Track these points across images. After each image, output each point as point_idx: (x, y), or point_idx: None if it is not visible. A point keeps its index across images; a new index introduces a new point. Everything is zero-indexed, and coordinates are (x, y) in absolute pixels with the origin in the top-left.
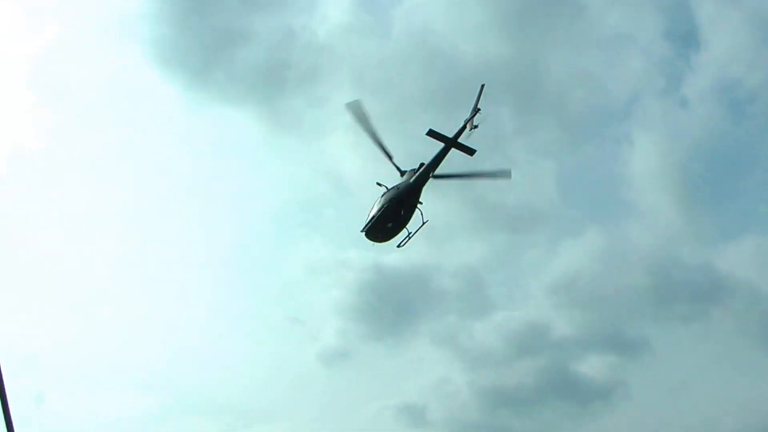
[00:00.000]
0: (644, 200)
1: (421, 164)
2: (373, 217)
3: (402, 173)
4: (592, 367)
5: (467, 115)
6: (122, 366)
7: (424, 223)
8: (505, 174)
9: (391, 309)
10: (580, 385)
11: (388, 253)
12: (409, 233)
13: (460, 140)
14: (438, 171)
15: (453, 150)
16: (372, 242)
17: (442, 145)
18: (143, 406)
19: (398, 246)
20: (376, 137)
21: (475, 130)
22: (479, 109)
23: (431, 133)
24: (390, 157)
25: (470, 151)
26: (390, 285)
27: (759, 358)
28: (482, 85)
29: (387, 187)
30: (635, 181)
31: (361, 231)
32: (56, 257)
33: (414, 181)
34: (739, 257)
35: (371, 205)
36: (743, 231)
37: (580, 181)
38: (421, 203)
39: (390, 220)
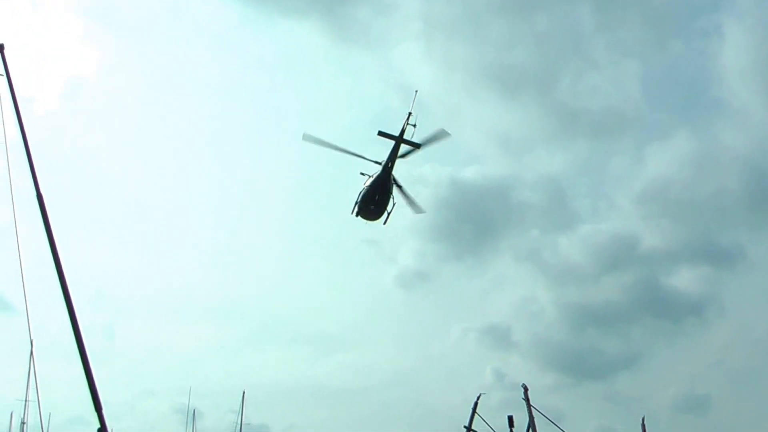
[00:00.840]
0: (737, 98)
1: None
2: (356, 202)
3: (379, 163)
4: (684, 280)
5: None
6: (198, 299)
7: (394, 205)
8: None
9: (470, 226)
10: (671, 300)
11: (464, 166)
12: (388, 213)
13: (405, 137)
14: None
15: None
16: (365, 220)
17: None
18: (220, 337)
19: (384, 223)
20: (339, 149)
21: (416, 128)
22: (410, 113)
23: (381, 134)
24: (363, 157)
25: (416, 145)
26: (468, 201)
27: None
28: (416, 91)
29: (369, 175)
30: (727, 77)
31: (351, 213)
32: (123, 189)
33: (381, 171)
34: None
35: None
36: None
37: (668, 81)
38: (400, 187)
39: (370, 203)
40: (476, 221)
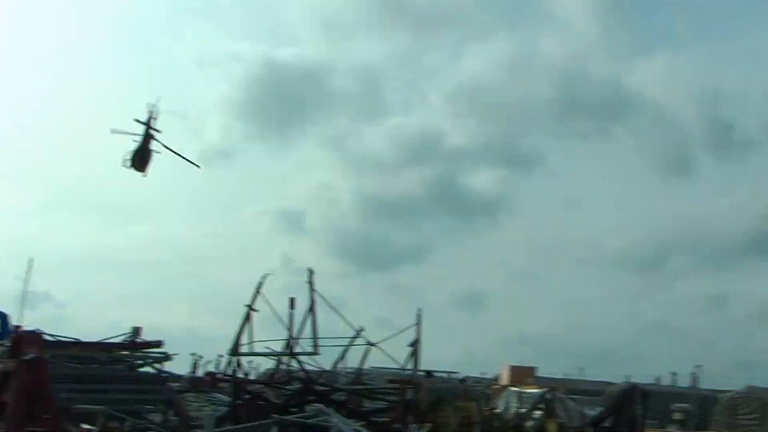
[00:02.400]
0: (561, 7)
1: None
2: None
3: None
4: (482, 180)
5: None
6: None
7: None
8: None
9: (279, 108)
10: (466, 197)
11: (282, 47)
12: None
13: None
14: None
15: None
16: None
17: None
18: (8, 201)
19: (144, 175)
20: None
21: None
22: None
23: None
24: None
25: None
26: (281, 82)
27: (655, 179)
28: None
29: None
30: None
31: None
32: None
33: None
34: (648, 74)
35: None
36: (656, 48)
37: None
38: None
39: (135, 161)
40: (287, 103)
